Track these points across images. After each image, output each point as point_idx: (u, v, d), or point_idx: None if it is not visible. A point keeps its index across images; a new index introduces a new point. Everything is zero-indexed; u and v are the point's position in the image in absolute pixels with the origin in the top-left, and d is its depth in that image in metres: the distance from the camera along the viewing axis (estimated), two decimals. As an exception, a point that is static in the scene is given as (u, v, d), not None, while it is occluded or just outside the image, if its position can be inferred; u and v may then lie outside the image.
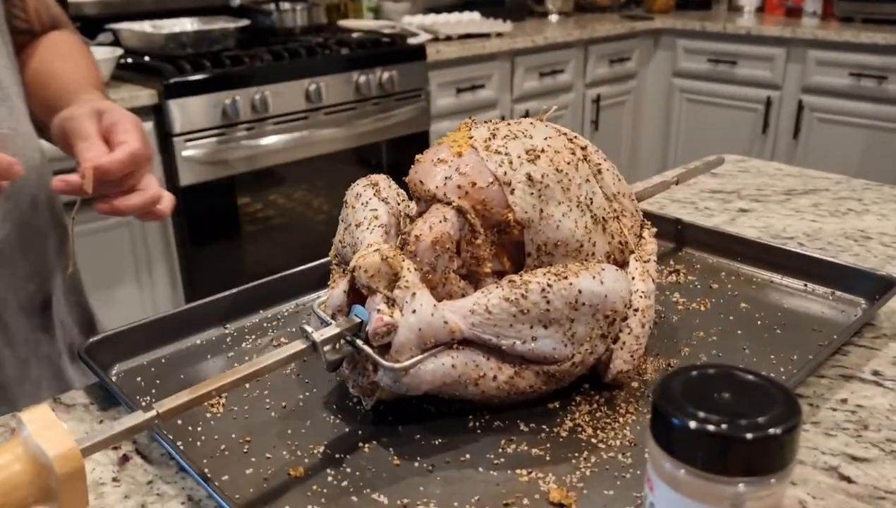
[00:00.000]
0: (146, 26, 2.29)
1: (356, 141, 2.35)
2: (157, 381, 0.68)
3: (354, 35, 2.56)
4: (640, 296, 0.66)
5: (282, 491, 0.54)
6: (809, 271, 0.84)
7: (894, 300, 0.76)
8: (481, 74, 2.70)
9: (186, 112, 1.96)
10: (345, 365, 0.61)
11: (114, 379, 0.68)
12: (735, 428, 0.34)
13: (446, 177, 0.62)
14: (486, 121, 0.69)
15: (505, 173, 0.61)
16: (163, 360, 0.71)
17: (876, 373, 0.68)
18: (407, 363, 0.56)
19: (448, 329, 0.58)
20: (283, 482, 0.55)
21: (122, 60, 2.05)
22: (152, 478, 0.57)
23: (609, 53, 3.17)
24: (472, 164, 0.62)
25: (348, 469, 0.56)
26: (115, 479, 0.56)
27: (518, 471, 0.56)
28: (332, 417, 0.63)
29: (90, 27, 2.24)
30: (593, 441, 0.59)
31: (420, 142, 2.47)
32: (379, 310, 0.57)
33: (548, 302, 0.59)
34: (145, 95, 1.90)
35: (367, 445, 0.59)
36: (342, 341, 0.59)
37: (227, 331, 0.76)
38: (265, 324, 0.77)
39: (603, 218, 0.67)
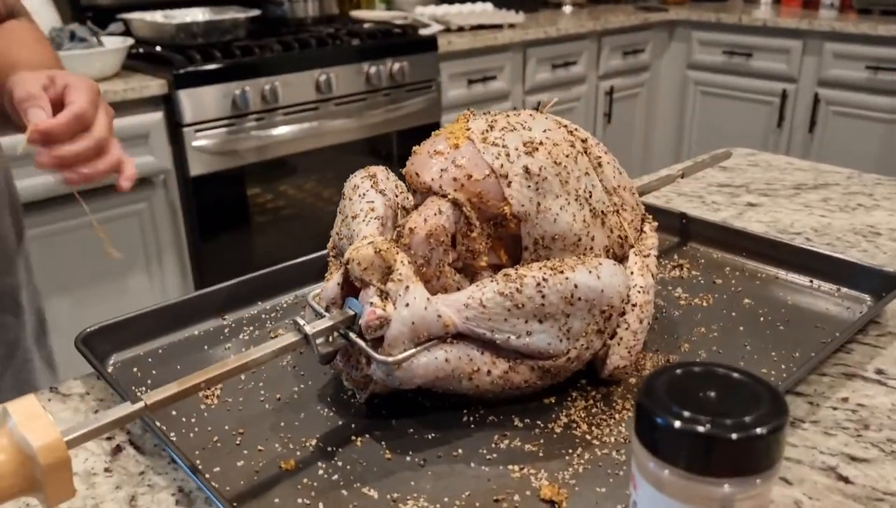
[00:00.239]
0: (157, 16, 2.30)
1: (367, 132, 2.34)
2: (154, 372, 0.68)
3: (366, 25, 2.55)
4: (639, 292, 0.65)
5: (272, 484, 0.54)
6: (815, 267, 0.82)
7: (901, 297, 0.75)
8: (493, 66, 2.68)
9: (197, 102, 1.96)
10: (338, 357, 0.61)
11: (110, 369, 0.68)
12: (720, 428, 0.33)
13: (442, 170, 0.61)
14: (485, 113, 0.68)
15: (502, 165, 0.61)
16: (160, 351, 0.71)
17: (879, 372, 0.67)
18: (400, 357, 0.56)
19: (442, 323, 0.57)
20: (274, 474, 0.55)
21: (133, 50, 2.06)
22: (144, 469, 0.56)
23: (623, 45, 3.15)
24: (469, 156, 0.61)
25: (339, 463, 0.56)
26: (107, 469, 0.56)
27: (510, 467, 0.55)
28: (326, 410, 0.63)
29: (101, 17, 2.25)
30: (588, 437, 0.58)
31: (431, 133, 2.46)
32: (372, 304, 0.56)
33: (543, 296, 0.58)
34: (155, 85, 1.90)
35: (359, 439, 0.59)
36: (335, 334, 0.59)
37: (225, 322, 0.76)
38: (263, 316, 0.77)
39: (602, 211, 0.66)
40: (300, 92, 2.16)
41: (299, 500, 0.53)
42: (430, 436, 0.59)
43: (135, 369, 0.68)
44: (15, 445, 0.42)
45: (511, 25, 2.77)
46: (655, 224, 0.75)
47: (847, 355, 0.69)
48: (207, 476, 0.54)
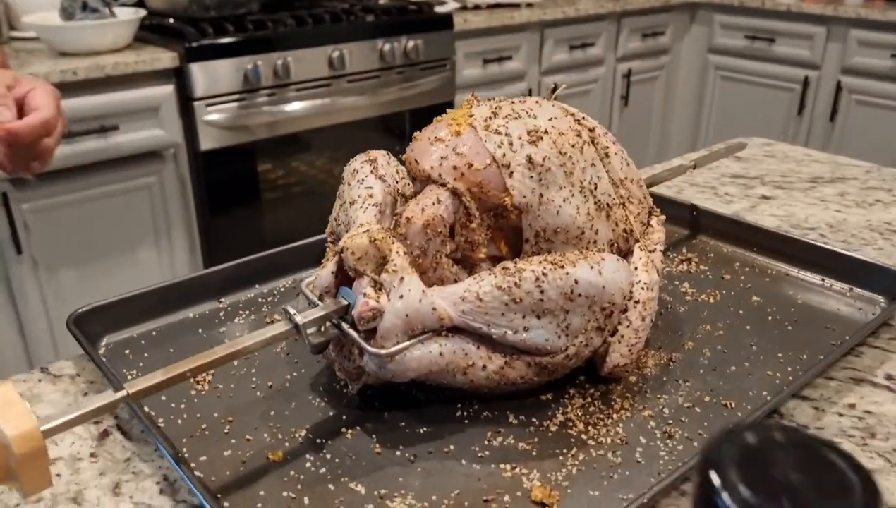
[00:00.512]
0: (171, -13, 2.27)
1: (379, 109, 2.31)
2: (146, 355, 0.67)
3: (381, 1, 2.51)
4: (642, 288, 0.63)
5: (258, 476, 0.53)
6: (828, 265, 0.80)
7: (915, 300, 0.72)
8: (509, 45, 2.64)
9: (208, 76, 1.94)
10: (331, 347, 0.59)
11: (102, 350, 0.67)
12: None
13: (442, 157, 0.60)
14: (489, 99, 0.66)
15: (504, 155, 0.59)
16: (153, 333, 0.70)
17: (889, 378, 0.65)
18: (392, 349, 0.55)
19: (437, 315, 0.55)
20: (261, 465, 0.54)
21: (146, 22, 2.04)
22: (130, 456, 0.56)
23: (642, 27, 3.09)
24: (470, 144, 0.59)
25: (328, 456, 0.55)
26: (92, 455, 0.56)
27: (502, 466, 0.54)
28: (318, 400, 0.61)
29: (116, -13, 2.22)
30: (583, 437, 0.57)
31: (445, 112, 2.43)
32: (365, 294, 0.55)
33: (542, 291, 0.56)
34: (167, 58, 1.88)
35: (349, 431, 0.58)
36: (328, 323, 0.57)
37: (221, 305, 0.75)
38: (260, 300, 0.76)
39: (607, 204, 0.64)
40: (313, 68, 2.13)
41: (285, 493, 0.51)
42: (421, 430, 0.58)
43: (126, 351, 0.67)
44: (-10, 434, 0.41)
45: (529, 4, 2.72)
46: (663, 218, 0.73)
47: (856, 358, 0.67)
48: (193, 465, 0.53)
